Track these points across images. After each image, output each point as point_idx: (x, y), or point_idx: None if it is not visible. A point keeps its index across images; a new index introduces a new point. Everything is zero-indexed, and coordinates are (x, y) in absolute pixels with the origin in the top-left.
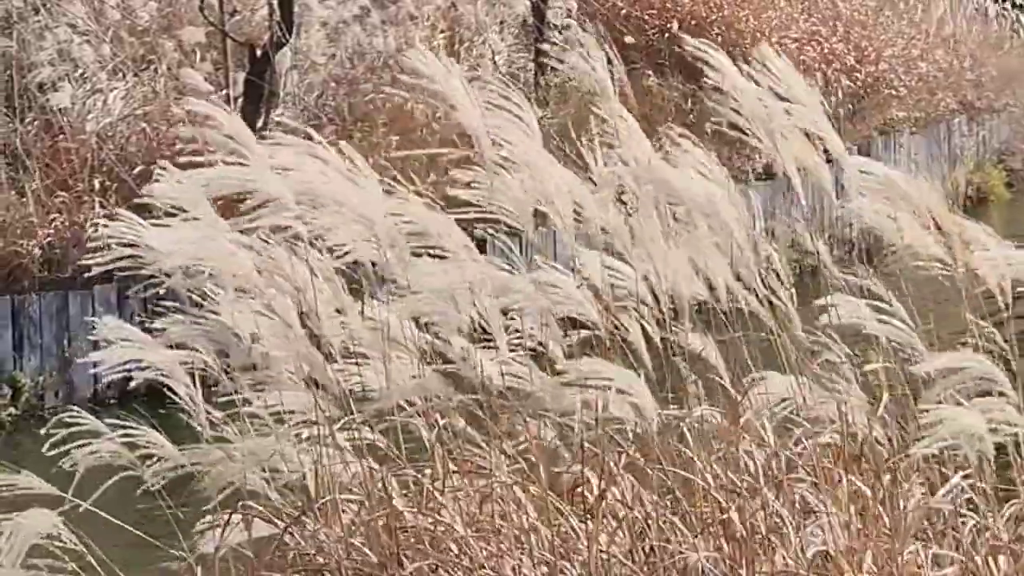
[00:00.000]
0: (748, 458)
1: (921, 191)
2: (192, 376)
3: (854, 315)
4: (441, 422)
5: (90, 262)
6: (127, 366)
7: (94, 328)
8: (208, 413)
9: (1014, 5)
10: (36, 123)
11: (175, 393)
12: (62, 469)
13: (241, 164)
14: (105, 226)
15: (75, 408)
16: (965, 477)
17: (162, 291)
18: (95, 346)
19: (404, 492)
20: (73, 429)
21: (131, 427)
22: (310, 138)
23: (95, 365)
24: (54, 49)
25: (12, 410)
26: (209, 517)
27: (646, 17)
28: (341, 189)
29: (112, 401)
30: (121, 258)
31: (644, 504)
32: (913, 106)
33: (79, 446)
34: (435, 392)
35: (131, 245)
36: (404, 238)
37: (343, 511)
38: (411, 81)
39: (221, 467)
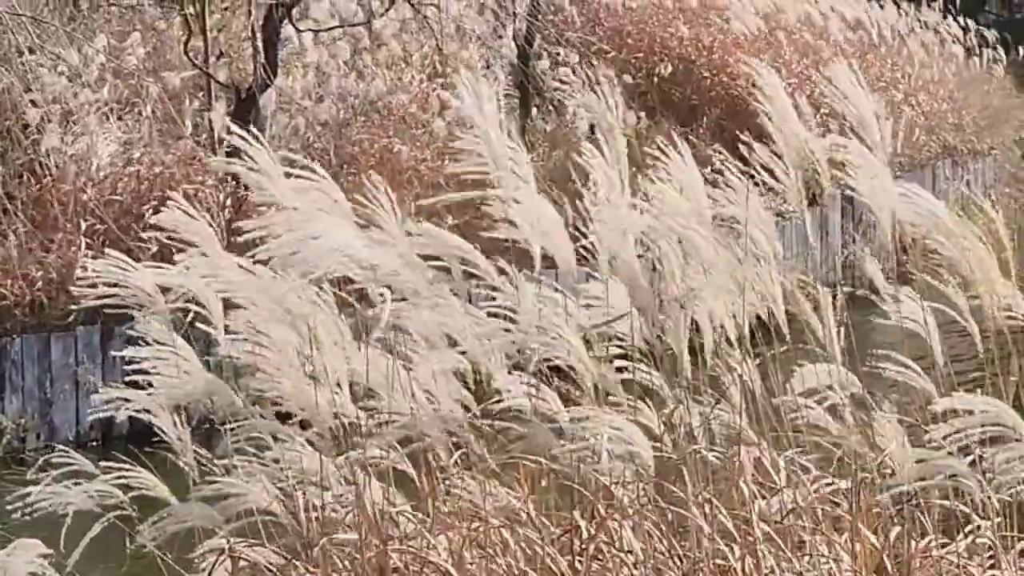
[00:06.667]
0: (750, 501)
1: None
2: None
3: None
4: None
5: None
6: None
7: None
8: (195, 452)
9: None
10: (21, 165)
11: (163, 433)
12: (43, 511)
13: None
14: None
15: (64, 449)
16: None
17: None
18: (77, 389)
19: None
20: (63, 470)
21: (126, 469)
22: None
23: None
24: (40, 91)
25: None
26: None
27: (632, 60)
28: None
29: (94, 443)
30: (107, 296)
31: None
32: (899, 151)
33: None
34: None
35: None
36: None
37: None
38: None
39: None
